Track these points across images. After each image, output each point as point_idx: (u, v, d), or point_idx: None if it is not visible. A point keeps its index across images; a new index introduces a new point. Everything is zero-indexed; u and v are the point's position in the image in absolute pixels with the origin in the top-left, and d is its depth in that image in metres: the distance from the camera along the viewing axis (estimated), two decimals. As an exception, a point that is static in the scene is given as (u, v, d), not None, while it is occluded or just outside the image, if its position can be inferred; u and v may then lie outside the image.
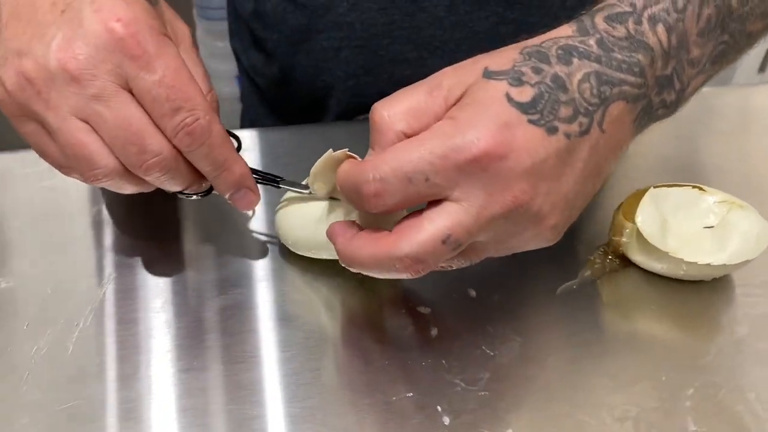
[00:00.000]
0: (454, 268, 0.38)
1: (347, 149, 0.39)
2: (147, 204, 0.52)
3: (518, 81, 0.34)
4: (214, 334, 0.44)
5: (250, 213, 0.52)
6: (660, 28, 0.36)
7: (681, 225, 0.47)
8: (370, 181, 0.35)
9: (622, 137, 0.37)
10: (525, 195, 0.34)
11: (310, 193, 0.44)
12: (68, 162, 0.39)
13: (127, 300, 0.46)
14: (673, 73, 0.37)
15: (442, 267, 0.38)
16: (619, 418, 0.40)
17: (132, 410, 0.40)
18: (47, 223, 0.51)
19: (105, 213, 0.52)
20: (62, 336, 0.44)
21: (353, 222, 0.40)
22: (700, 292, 0.47)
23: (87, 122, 0.37)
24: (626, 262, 0.48)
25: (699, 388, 0.42)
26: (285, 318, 0.45)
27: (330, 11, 0.59)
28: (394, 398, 0.41)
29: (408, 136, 0.36)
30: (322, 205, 0.44)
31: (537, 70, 0.34)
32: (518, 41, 0.37)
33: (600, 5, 0.37)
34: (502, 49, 0.36)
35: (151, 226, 0.51)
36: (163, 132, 0.38)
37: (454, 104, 0.35)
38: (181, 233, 0.51)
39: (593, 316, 0.46)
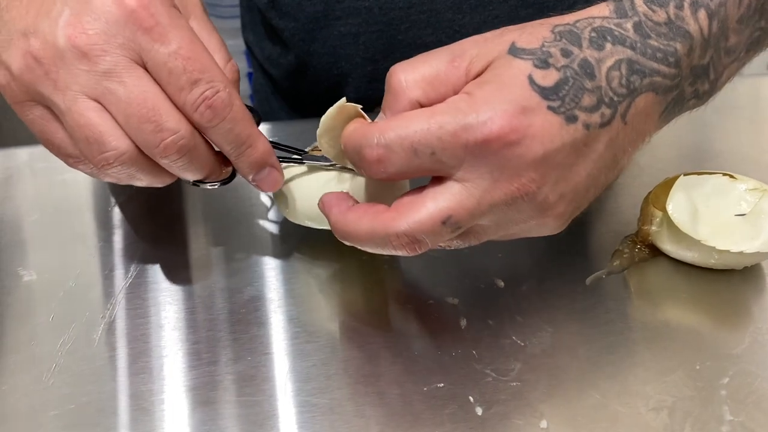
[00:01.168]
0: (452, 248, 0.37)
1: (360, 106, 0.37)
2: (162, 197, 0.52)
3: (544, 63, 0.33)
4: (238, 327, 0.44)
5: (265, 208, 0.51)
6: (702, 14, 0.35)
7: (712, 213, 0.46)
8: (374, 145, 0.34)
9: (646, 129, 0.36)
10: (532, 184, 0.33)
11: (335, 165, 0.43)
12: (78, 147, 0.37)
13: (149, 293, 0.46)
14: (710, 63, 0.36)
15: (439, 246, 0.36)
16: (655, 408, 0.40)
17: (158, 402, 0.40)
18: (65, 217, 0.51)
19: (121, 206, 0.51)
20: (87, 329, 0.43)
21: (347, 194, 0.39)
22: (731, 280, 0.46)
23: (98, 101, 0.36)
24: (655, 252, 0.48)
25: (734, 377, 0.41)
26: (310, 310, 0.45)
27: None
28: (425, 389, 0.40)
29: (422, 105, 0.35)
30: (325, 173, 0.43)
31: (566, 53, 0.33)
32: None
33: None
34: (533, 23, 0.35)
35: (167, 219, 0.51)
36: (180, 108, 0.36)
37: (475, 77, 0.34)
38: (196, 226, 0.50)
39: (623, 305, 0.45)
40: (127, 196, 0.52)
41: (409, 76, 0.35)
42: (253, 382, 0.41)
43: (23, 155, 0.55)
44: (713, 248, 0.44)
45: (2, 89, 0.37)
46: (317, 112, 0.68)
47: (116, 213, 0.51)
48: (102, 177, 0.39)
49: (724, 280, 0.46)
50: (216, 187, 0.41)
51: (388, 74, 0.35)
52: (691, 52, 0.35)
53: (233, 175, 0.42)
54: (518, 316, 0.44)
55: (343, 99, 0.38)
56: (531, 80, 0.33)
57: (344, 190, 0.41)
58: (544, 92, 0.32)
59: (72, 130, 0.36)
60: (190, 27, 0.36)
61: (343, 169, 0.43)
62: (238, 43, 0.80)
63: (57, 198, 0.52)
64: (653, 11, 0.35)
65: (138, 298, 0.45)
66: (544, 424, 0.39)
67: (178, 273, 0.47)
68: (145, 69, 0.36)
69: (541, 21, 0.35)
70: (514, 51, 0.33)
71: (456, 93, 0.34)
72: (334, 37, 0.62)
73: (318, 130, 0.40)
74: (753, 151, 0.56)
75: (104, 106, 0.36)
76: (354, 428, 0.39)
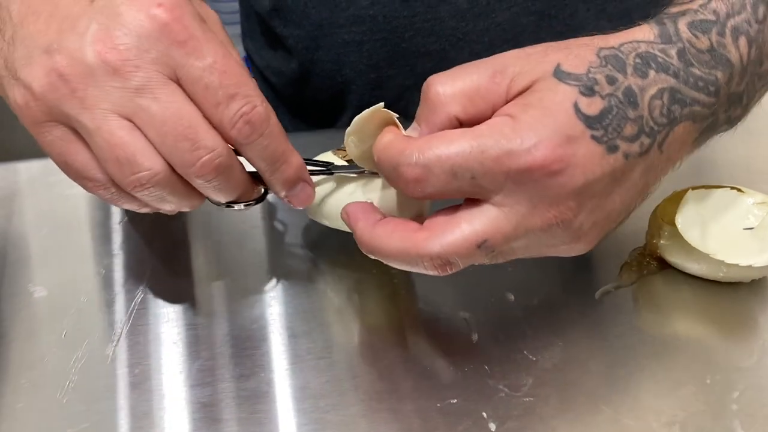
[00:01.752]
0: (476, 264, 0.37)
1: (397, 115, 0.36)
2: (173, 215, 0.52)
3: (590, 90, 0.33)
4: (249, 343, 0.44)
5: (280, 228, 0.51)
6: (742, 41, 0.35)
7: (720, 227, 0.46)
8: (412, 164, 0.33)
9: (678, 156, 0.36)
10: (569, 212, 0.33)
11: (364, 171, 0.42)
12: (107, 168, 0.35)
13: (160, 309, 0.46)
14: (744, 89, 0.36)
15: None
16: (667, 423, 0.40)
17: (171, 419, 0.40)
18: (71, 232, 0.51)
19: (127, 223, 0.51)
20: (100, 346, 0.43)
21: (372, 205, 0.38)
22: (739, 293, 0.47)
23: (130, 120, 0.34)
24: (663, 265, 0.48)
25: (744, 391, 0.42)
26: (321, 326, 0.45)
27: (353, 4, 0.59)
28: (438, 405, 0.41)
29: (460, 120, 0.34)
30: (356, 179, 0.42)
31: (611, 80, 0.33)
32: (540, 33, 0.35)
33: (679, 7, 0.36)
34: (577, 42, 0.34)
35: (175, 235, 0.51)
36: (217, 125, 0.35)
37: (516, 95, 0.34)
38: (205, 242, 0.50)
39: (633, 319, 0.45)
40: (132, 213, 0.52)
41: (447, 88, 0.34)
42: (266, 398, 0.41)
43: (25, 170, 0.55)
44: (722, 262, 0.44)
45: (19, 110, 0.35)
46: (320, 120, 0.69)
47: (122, 229, 0.51)
48: (122, 203, 0.37)
49: (731, 292, 0.47)
50: (250, 208, 0.40)
51: (424, 85, 0.35)
52: (730, 80, 0.35)
53: (265, 193, 0.40)
54: (529, 330, 0.44)
55: (381, 104, 0.37)
56: (576, 108, 0.32)
57: (368, 196, 0.41)
58: (589, 121, 0.32)
59: (101, 151, 0.34)
60: (222, 40, 0.36)
61: (372, 174, 0.42)
62: (239, 50, 0.80)
63: (62, 213, 0.52)
64: (697, 38, 0.34)
65: (149, 314, 0.45)
66: (557, 439, 0.39)
67: (188, 289, 0.47)
68: (179, 84, 0.34)
69: (585, 41, 0.34)
70: (560, 75, 0.33)
71: (495, 110, 0.34)
72: (338, 45, 0.62)
73: (348, 128, 0.39)
74: (760, 163, 0.57)
75: (136, 125, 0.34)
76: (368, 445, 0.39)
